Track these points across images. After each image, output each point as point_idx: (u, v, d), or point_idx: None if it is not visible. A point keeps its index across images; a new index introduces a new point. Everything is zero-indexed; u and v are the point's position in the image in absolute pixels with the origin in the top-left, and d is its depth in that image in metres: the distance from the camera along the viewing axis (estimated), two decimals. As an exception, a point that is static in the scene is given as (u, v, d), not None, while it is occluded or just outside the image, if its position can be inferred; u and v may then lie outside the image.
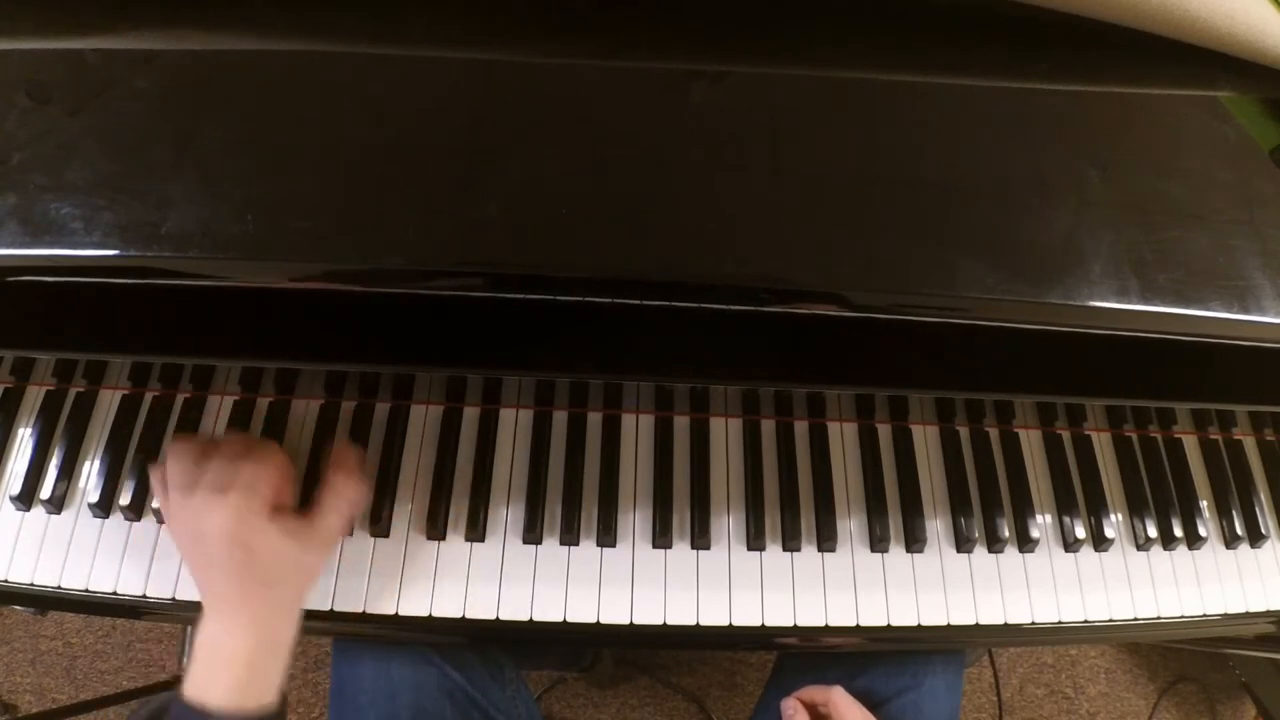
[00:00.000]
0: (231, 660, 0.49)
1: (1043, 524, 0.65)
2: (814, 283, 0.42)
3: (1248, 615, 0.65)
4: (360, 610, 0.58)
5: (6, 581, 0.59)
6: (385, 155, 0.43)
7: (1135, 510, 0.66)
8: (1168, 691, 1.35)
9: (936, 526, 0.64)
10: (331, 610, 0.58)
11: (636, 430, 0.65)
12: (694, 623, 0.59)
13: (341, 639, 0.68)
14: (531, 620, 0.59)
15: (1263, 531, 0.67)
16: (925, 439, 0.67)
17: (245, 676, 0.49)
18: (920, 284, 0.42)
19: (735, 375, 0.57)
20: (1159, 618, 0.63)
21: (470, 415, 0.64)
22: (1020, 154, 0.47)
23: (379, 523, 0.60)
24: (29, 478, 0.61)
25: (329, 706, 0.67)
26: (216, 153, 0.42)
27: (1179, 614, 0.64)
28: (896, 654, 0.68)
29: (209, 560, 0.51)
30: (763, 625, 0.59)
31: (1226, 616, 0.65)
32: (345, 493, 0.56)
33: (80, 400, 0.63)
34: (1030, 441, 0.68)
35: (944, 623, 0.61)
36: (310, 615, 0.58)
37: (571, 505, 0.61)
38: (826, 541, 0.62)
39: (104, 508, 0.60)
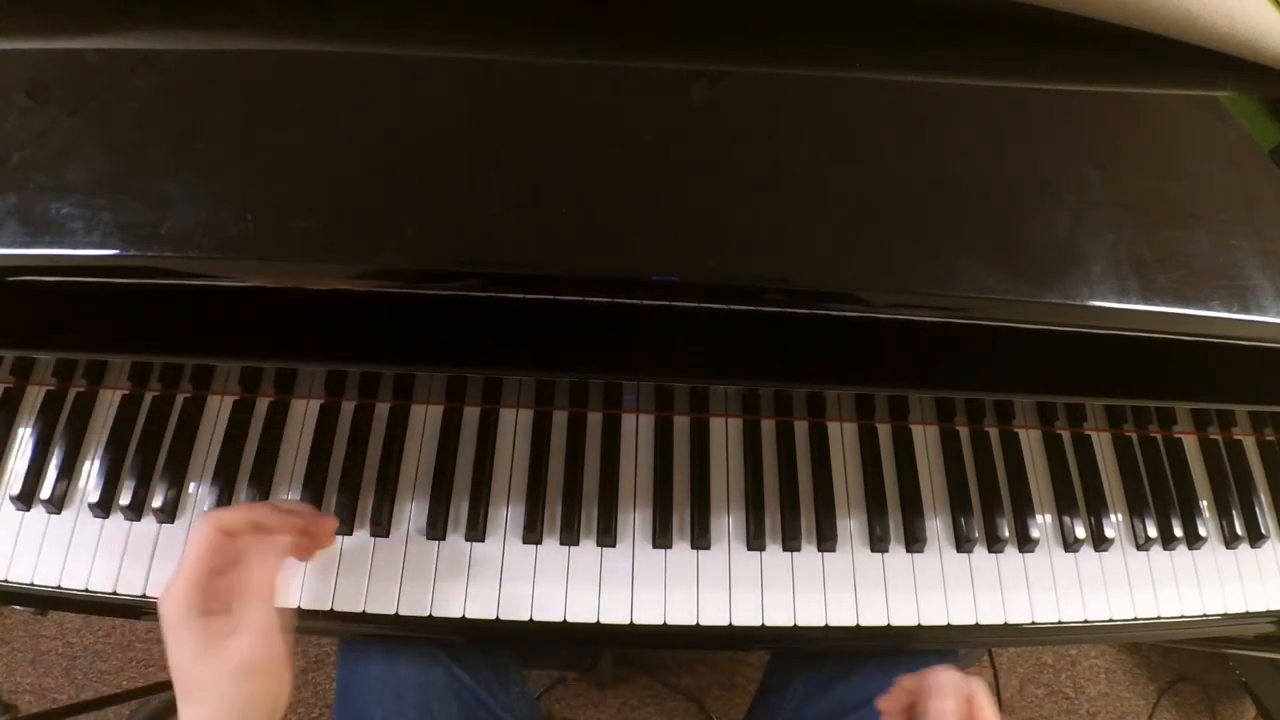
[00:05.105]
0: None
1: (1043, 524, 0.65)
2: (814, 283, 0.42)
3: (1248, 615, 0.65)
4: (360, 610, 0.58)
5: (6, 581, 0.59)
6: (386, 155, 0.43)
7: (1135, 510, 0.66)
8: (1168, 691, 1.35)
9: (936, 526, 0.64)
10: (331, 610, 0.58)
11: (636, 430, 0.65)
12: (694, 623, 0.59)
13: (348, 639, 0.68)
14: (531, 620, 0.59)
15: (1263, 531, 0.67)
16: (925, 439, 0.67)
17: None
18: (921, 284, 0.42)
19: (735, 375, 0.57)
20: (1159, 618, 0.63)
21: (470, 415, 0.64)
22: (1021, 154, 0.47)
23: (379, 523, 0.60)
24: (29, 478, 0.60)
25: (334, 706, 0.67)
26: (216, 152, 0.42)
27: (1179, 614, 0.64)
28: (890, 650, 0.68)
29: None
30: (763, 625, 0.59)
31: (1226, 616, 0.65)
32: (263, 584, 0.46)
33: (80, 400, 0.63)
34: (1030, 441, 0.68)
35: (944, 623, 0.61)
36: (310, 615, 0.58)
37: (571, 505, 0.61)
38: (826, 541, 0.61)
39: (104, 508, 0.60)
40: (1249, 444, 0.70)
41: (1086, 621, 0.62)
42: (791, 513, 0.62)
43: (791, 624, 0.60)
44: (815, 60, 0.50)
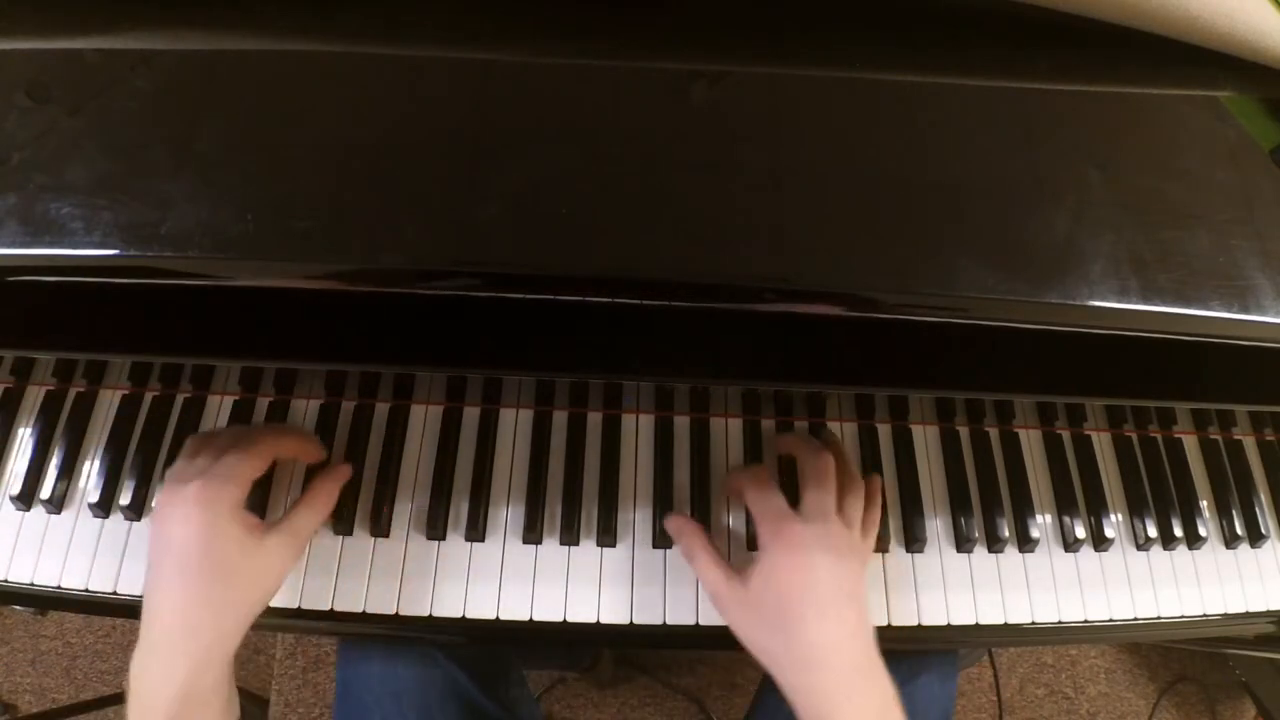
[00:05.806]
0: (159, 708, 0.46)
1: (1043, 524, 0.65)
2: (814, 283, 0.42)
3: (1248, 615, 0.65)
4: (360, 610, 0.58)
5: (6, 581, 0.59)
6: (385, 155, 0.43)
7: (1135, 510, 0.66)
8: (1168, 691, 1.35)
9: (936, 526, 0.64)
10: (331, 610, 0.58)
11: (636, 430, 0.65)
12: (694, 623, 0.59)
13: (347, 639, 0.68)
14: (531, 620, 0.59)
15: (1263, 531, 0.67)
16: (925, 439, 0.67)
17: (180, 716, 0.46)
18: (920, 284, 0.42)
19: (735, 375, 0.57)
20: (1159, 618, 0.63)
21: (470, 415, 0.64)
22: (1020, 154, 0.47)
23: (379, 523, 0.60)
24: (29, 478, 0.60)
25: (333, 706, 0.67)
26: (216, 152, 0.42)
27: (1179, 614, 0.64)
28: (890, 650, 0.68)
29: (159, 560, 0.48)
30: (763, 625, 0.59)
31: (1226, 616, 0.65)
32: (325, 502, 0.56)
33: (80, 400, 0.63)
34: (1030, 441, 0.68)
35: (944, 623, 0.61)
36: (311, 615, 0.58)
37: (571, 505, 0.61)
38: (826, 541, 0.61)
39: (104, 508, 0.60)
40: (1249, 444, 0.70)
41: (1086, 621, 0.62)
42: (791, 513, 0.62)
43: (791, 624, 0.60)
44: (815, 60, 0.50)
